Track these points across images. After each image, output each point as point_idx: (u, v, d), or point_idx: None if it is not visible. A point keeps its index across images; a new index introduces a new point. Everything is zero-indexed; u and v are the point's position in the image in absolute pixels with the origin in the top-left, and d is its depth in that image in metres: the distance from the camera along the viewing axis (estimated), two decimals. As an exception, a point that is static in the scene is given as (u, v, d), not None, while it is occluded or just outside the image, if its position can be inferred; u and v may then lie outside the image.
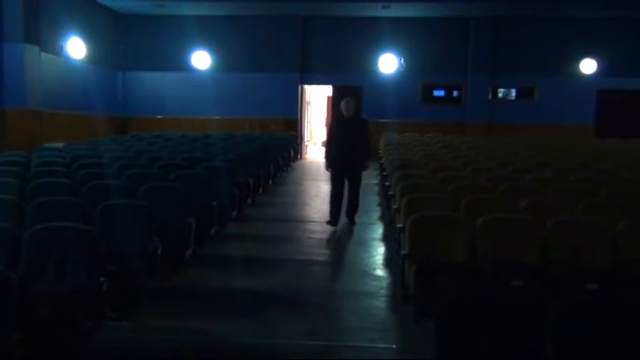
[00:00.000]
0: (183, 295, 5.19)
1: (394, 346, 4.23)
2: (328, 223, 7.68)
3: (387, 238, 7.34)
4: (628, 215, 4.91)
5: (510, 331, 2.78)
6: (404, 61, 17.29)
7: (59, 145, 11.22)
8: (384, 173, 9.95)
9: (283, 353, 3.97)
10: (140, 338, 4.20)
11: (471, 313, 2.81)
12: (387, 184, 8.33)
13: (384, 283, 5.60)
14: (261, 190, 10.26)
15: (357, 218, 8.03)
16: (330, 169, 7.89)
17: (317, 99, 22.10)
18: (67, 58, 14.76)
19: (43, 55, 13.19)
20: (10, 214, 4.89)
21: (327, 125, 9.31)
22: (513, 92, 17.67)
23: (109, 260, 4.29)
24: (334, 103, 18.10)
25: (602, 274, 4.20)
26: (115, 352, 3.96)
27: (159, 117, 17.83)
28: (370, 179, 12.47)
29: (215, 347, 4.07)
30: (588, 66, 16.92)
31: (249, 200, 9.17)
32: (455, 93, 17.61)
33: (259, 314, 4.66)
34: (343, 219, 7.91)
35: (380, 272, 5.97)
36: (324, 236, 7.45)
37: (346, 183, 7.85)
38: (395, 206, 6.38)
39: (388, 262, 6.28)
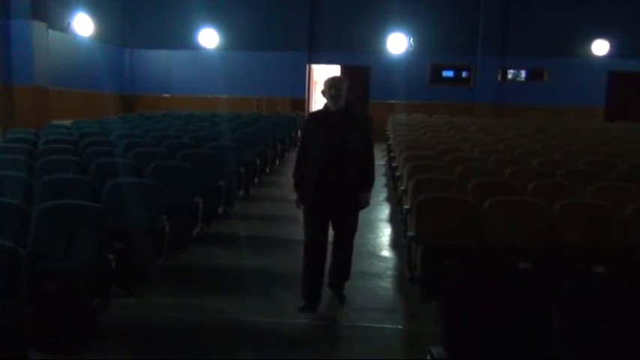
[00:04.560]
0: (191, 273, 5.22)
1: (400, 326, 4.25)
2: (302, 309, 4.25)
3: (393, 220, 7.33)
4: (637, 199, 4.87)
5: (517, 313, 2.77)
6: (413, 40, 17.11)
7: (67, 122, 11.24)
8: (392, 154, 9.91)
9: (289, 332, 3.99)
10: (147, 315, 4.23)
11: (477, 295, 2.81)
12: (394, 165, 8.30)
13: (391, 264, 5.61)
14: (267, 170, 10.25)
15: (347, 286, 4.58)
16: (302, 206, 4.39)
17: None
18: (74, 35, 14.71)
19: (50, 32, 13.15)
20: (19, 191, 4.91)
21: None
22: (523, 73, 17.50)
23: (117, 238, 4.32)
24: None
25: (611, 257, 4.18)
26: (122, 329, 4.00)
27: (166, 95, 17.80)
28: (377, 160, 12.44)
29: (221, 325, 4.11)
30: (600, 47, 16.68)
31: (255, 180, 9.17)
32: (464, 74, 17.46)
33: (265, 293, 4.69)
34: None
35: (386, 253, 5.98)
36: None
37: (330, 229, 4.40)
38: (402, 188, 6.37)
39: (395, 244, 6.28)
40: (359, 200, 4.33)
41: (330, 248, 4.38)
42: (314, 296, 4.28)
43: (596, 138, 10.00)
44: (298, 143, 4.95)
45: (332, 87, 4.25)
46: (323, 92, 4.31)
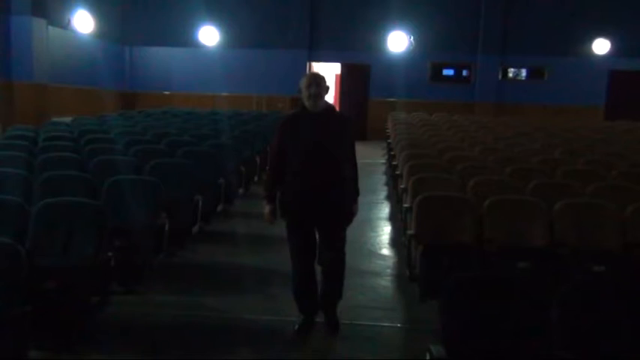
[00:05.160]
0: (190, 271, 5.22)
1: (399, 325, 4.25)
2: (301, 328, 3.95)
3: (393, 218, 7.33)
4: (637, 198, 4.86)
5: (516, 312, 2.77)
6: (413, 39, 17.09)
7: (67, 119, 11.23)
8: (392, 153, 9.90)
9: (288, 330, 3.99)
10: (146, 313, 4.23)
11: (476, 294, 2.81)
12: (394, 163, 8.30)
13: (390, 263, 5.61)
14: (267, 168, 10.23)
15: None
16: (286, 218, 3.97)
17: (325, 77, 21.93)
18: (74, 32, 14.68)
19: (51, 28, 13.13)
20: (18, 188, 4.90)
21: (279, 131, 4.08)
22: (524, 72, 17.48)
23: (116, 235, 4.32)
24: (342, 81, 17.98)
25: (610, 256, 4.18)
26: (121, 327, 4.00)
27: (166, 93, 17.78)
28: (377, 158, 12.44)
29: (220, 322, 4.10)
30: (600, 46, 16.66)
31: (255, 178, 9.17)
32: (464, 72, 17.44)
33: (264, 291, 4.69)
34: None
35: (386, 252, 5.98)
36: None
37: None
38: (402, 186, 6.36)
39: (394, 242, 6.28)
40: (347, 210, 3.92)
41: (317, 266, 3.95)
42: (312, 307, 3.96)
43: (596, 137, 10.00)
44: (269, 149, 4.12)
45: (311, 85, 3.78)
46: (300, 91, 3.84)
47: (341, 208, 3.89)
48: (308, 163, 3.79)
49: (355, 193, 4.02)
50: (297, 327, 3.94)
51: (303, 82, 3.83)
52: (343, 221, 3.95)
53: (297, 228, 3.91)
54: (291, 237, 3.95)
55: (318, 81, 3.83)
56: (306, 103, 3.83)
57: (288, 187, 3.87)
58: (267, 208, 3.97)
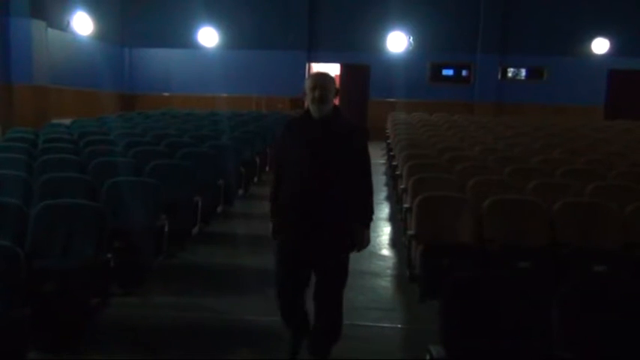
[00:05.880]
0: (190, 272, 5.21)
1: (399, 325, 4.25)
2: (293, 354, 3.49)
3: (393, 218, 7.33)
4: (637, 198, 4.86)
5: (516, 312, 2.77)
6: (413, 39, 17.09)
7: (66, 121, 11.22)
8: (392, 153, 9.90)
9: (288, 331, 3.97)
10: (146, 314, 4.22)
11: (476, 294, 2.80)
12: (394, 164, 8.29)
13: (390, 263, 5.60)
14: (267, 169, 10.25)
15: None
16: (278, 242, 3.42)
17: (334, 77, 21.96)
18: (73, 34, 14.68)
19: (50, 30, 13.13)
20: (17, 190, 4.90)
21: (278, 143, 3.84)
22: (523, 72, 17.48)
23: (116, 237, 4.31)
24: (342, 82, 17.97)
25: (611, 256, 4.18)
26: (121, 328, 3.99)
27: (165, 94, 17.78)
28: (377, 158, 12.44)
29: (220, 324, 4.10)
30: (600, 46, 16.66)
31: (255, 179, 9.16)
32: (464, 72, 17.44)
33: (264, 292, 4.67)
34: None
35: (386, 252, 5.97)
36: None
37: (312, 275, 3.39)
38: (402, 186, 6.36)
39: (394, 242, 6.27)
40: (355, 239, 3.28)
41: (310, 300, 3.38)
42: (303, 329, 3.44)
43: (595, 136, 9.99)
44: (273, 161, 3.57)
45: (316, 87, 3.19)
46: (304, 94, 3.26)
47: (343, 236, 3.25)
48: (306, 179, 3.18)
49: (367, 217, 3.33)
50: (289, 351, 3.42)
51: (307, 84, 3.25)
52: (346, 253, 3.31)
53: (288, 257, 3.32)
54: (278, 265, 3.38)
55: (325, 83, 3.23)
56: (310, 108, 3.26)
57: (283, 209, 3.30)
58: (271, 226, 3.42)
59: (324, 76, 3.31)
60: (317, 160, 3.18)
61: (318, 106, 3.21)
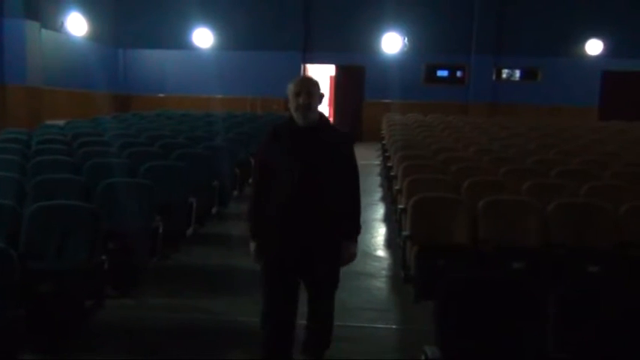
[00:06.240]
0: (184, 274, 5.20)
1: (394, 326, 4.25)
2: None
3: (388, 219, 7.33)
4: (631, 198, 4.88)
5: (511, 313, 2.77)
6: (407, 40, 17.11)
7: (60, 122, 11.18)
8: (387, 154, 9.91)
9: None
10: (141, 316, 4.21)
11: (471, 295, 2.81)
12: (389, 164, 8.30)
13: (385, 264, 5.61)
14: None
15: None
16: (261, 261, 3.21)
17: (320, 78, 21.99)
18: (67, 35, 14.64)
19: (44, 31, 13.08)
20: (11, 191, 4.88)
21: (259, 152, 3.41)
22: (517, 73, 17.53)
23: (110, 238, 4.30)
24: (337, 83, 17.97)
25: (605, 256, 4.19)
26: (116, 330, 3.98)
27: (160, 95, 17.74)
28: (372, 159, 12.45)
29: (214, 325, 4.09)
30: (594, 47, 16.73)
31: (250, 180, 9.14)
32: (458, 73, 17.47)
33: (258, 293, 4.66)
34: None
35: (381, 253, 5.98)
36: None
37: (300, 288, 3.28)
38: (397, 187, 6.36)
39: (389, 243, 6.28)
40: (341, 252, 3.16)
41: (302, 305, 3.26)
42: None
43: (589, 137, 10.03)
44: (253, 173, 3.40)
45: (301, 93, 3.01)
46: (290, 94, 3.06)
47: (333, 250, 3.13)
48: (292, 192, 3.01)
49: (355, 230, 3.24)
50: None
51: (290, 89, 3.06)
52: (336, 266, 3.20)
53: (276, 275, 3.15)
54: (267, 283, 3.18)
55: (310, 88, 3.04)
56: (294, 115, 3.06)
57: (268, 224, 3.11)
58: (252, 247, 3.20)
59: (308, 81, 3.12)
60: (308, 171, 3.01)
61: (303, 113, 3.02)
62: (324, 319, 3.28)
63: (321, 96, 3.10)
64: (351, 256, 3.23)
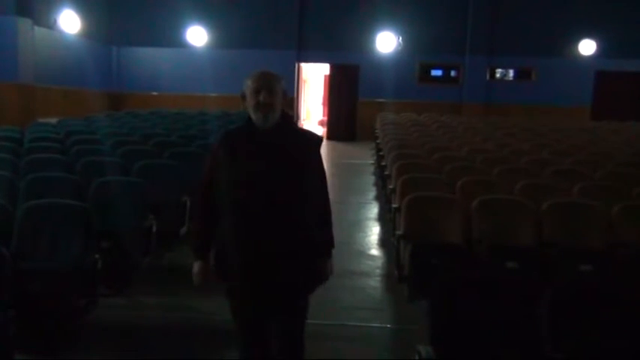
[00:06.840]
0: (177, 273, 5.16)
1: (389, 325, 4.25)
2: None
3: (382, 218, 7.34)
4: (623, 198, 4.91)
5: (504, 312, 2.78)
6: (402, 39, 17.13)
7: (53, 120, 11.12)
8: (381, 153, 9.92)
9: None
10: (134, 315, 4.20)
11: (465, 294, 2.81)
12: (383, 164, 8.30)
13: (379, 263, 5.61)
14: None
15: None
16: (228, 295, 2.87)
17: (314, 77, 21.98)
18: (60, 32, 14.55)
19: (36, 28, 12.98)
20: (2, 190, 4.85)
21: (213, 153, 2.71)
22: (511, 73, 17.57)
23: (103, 237, 4.28)
24: (331, 82, 17.96)
25: (597, 256, 4.21)
26: (109, 329, 3.96)
27: (154, 93, 17.68)
28: (366, 159, 12.46)
29: (208, 325, 4.08)
30: (587, 47, 16.80)
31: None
32: (452, 73, 17.50)
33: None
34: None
35: (375, 252, 5.98)
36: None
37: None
38: (391, 186, 6.37)
39: (383, 242, 6.28)
40: (317, 270, 2.67)
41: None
42: None
43: (583, 137, 10.08)
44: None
45: (260, 90, 2.54)
46: (243, 97, 2.62)
47: (307, 268, 2.61)
48: (254, 204, 2.50)
49: (328, 244, 2.75)
50: None
51: (247, 85, 2.59)
52: (310, 287, 2.69)
53: (241, 311, 2.79)
54: (234, 316, 2.84)
55: (271, 84, 2.56)
56: (253, 116, 2.57)
57: (225, 242, 2.66)
58: (195, 267, 2.83)
59: (270, 76, 2.59)
60: (268, 179, 2.50)
61: (264, 114, 2.52)
62: (296, 355, 2.73)
63: (285, 94, 2.61)
64: (327, 276, 2.74)
